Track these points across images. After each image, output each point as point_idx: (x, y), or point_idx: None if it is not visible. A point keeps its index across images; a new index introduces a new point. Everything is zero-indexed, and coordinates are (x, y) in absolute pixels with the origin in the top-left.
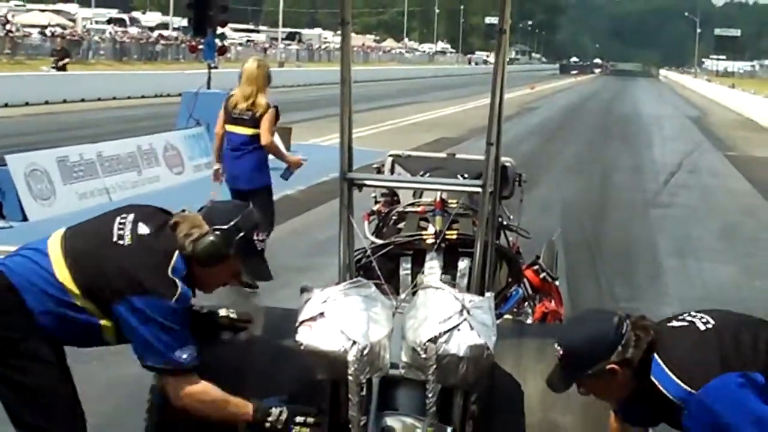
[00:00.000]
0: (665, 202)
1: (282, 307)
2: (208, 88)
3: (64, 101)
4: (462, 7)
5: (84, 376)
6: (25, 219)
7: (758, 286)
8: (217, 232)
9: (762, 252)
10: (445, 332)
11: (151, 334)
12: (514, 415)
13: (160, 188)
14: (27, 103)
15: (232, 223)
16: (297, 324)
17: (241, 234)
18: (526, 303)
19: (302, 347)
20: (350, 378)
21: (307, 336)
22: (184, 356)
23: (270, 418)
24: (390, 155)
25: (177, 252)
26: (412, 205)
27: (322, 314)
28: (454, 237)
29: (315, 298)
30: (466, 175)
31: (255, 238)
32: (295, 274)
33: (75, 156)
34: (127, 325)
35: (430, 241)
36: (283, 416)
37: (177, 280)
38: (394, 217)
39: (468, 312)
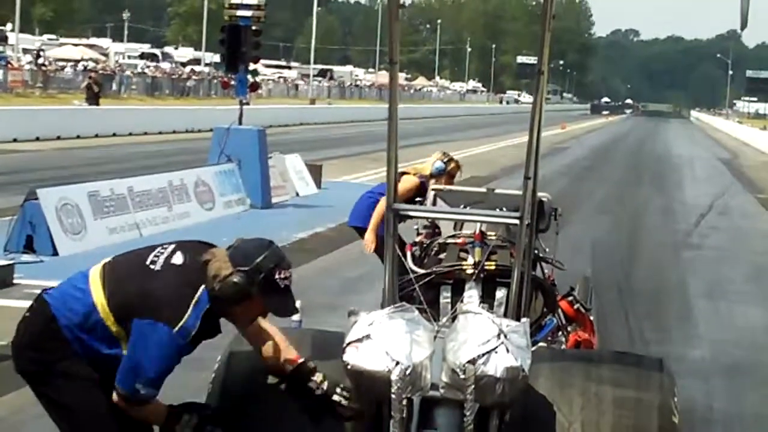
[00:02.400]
0: (696, 243)
1: (330, 330)
2: (240, 123)
3: (96, 135)
4: (494, 46)
5: None
6: (55, 253)
7: None
8: (241, 273)
9: None
10: (484, 354)
11: (137, 354)
12: None
13: (191, 224)
14: (59, 137)
15: (255, 263)
16: (344, 345)
17: (263, 274)
18: (560, 332)
19: (349, 367)
20: (393, 396)
21: (354, 356)
22: (143, 392)
23: (179, 424)
24: (432, 189)
25: (203, 287)
26: (452, 237)
27: (368, 336)
28: (493, 267)
29: (361, 321)
30: (504, 209)
31: (277, 276)
32: (324, 312)
33: (106, 191)
34: (129, 342)
35: (469, 271)
36: (193, 422)
37: (189, 312)
38: (435, 248)
39: (505, 336)
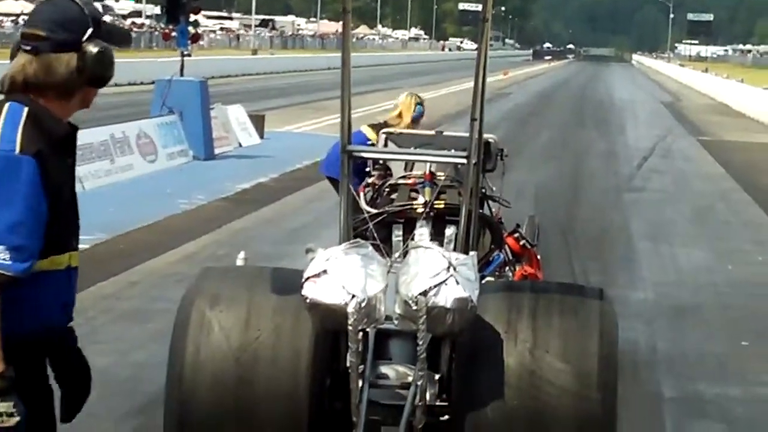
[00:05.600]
0: (638, 186)
1: (289, 268)
2: (182, 75)
3: None
4: None
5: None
6: None
7: (730, 270)
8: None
9: (734, 236)
10: (434, 286)
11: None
12: (496, 363)
13: (134, 176)
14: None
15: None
16: (302, 280)
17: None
18: (507, 267)
19: (307, 301)
20: (350, 328)
21: (312, 291)
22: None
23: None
24: (383, 132)
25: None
26: (403, 177)
27: (325, 271)
28: (442, 206)
29: (318, 257)
30: (453, 150)
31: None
32: (270, 263)
33: None
34: None
35: (420, 210)
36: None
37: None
38: (387, 189)
39: (454, 269)
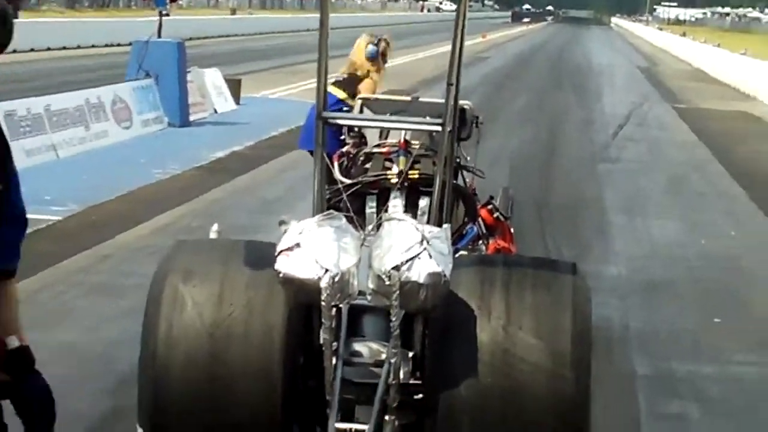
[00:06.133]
0: (614, 156)
1: (262, 241)
2: (159, 36)
3: (14, 51)
4: None
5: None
6: None
7: (703, 245)
8: None
9: (708, 207)
10: (407, 261)
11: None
12: (469, 339)
13: (108, 144)
14: None
15: None
16: (276, 254)
17: None
18: (480, 241)
19: (280, 275)
20: (323, 303)
21: (285, 265)
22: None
23: None
24: (359, 98)
25: None
26: (377, 146)
27: (298, 245)
28: (416, 176)
29: (291, 230)
30: (428, 116)
31: None
32: (245, 234)
33: (23, 110)
34: None
35: (393, 180)
36: None
37: None
38: (361, 158)
39: (427, 242)
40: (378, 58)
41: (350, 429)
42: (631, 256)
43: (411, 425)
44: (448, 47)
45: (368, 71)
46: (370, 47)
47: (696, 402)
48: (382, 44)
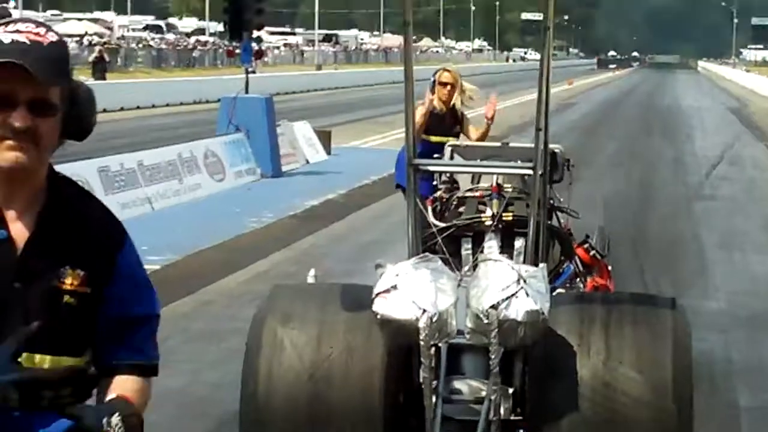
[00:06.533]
0: (708, 194)
1: (360, 284)
2: (247, 92)
3: (104, 110)
4: (498, 3)
5: None
6: None
7: None
8: None
9: None
10: (505, 299)
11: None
12: (569, 375)
13: (202, 195)
14: None
15: None
16: (373, 296)
17: None
18: (578, 279)
19: (378, 316)
20: (422, 343)
21: (383, 306)
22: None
23: None
24: (449, 145)
25: None
26: (470, 190)
27: (395, 287)
28: (510, 218)
29: (388, 273)
30: (519, 161)
31: None
32: (341, 279)
33: (116, 165)
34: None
35: (488, 222)
36: None
37: None
38: (454, 202)
39: (524, 281)
40: (434, 86)
41: None
42: (731, 291)
43: None
44: (535, 95)
45: (437, 104)
46: (432, 80)
47: None
48: (439, 72)
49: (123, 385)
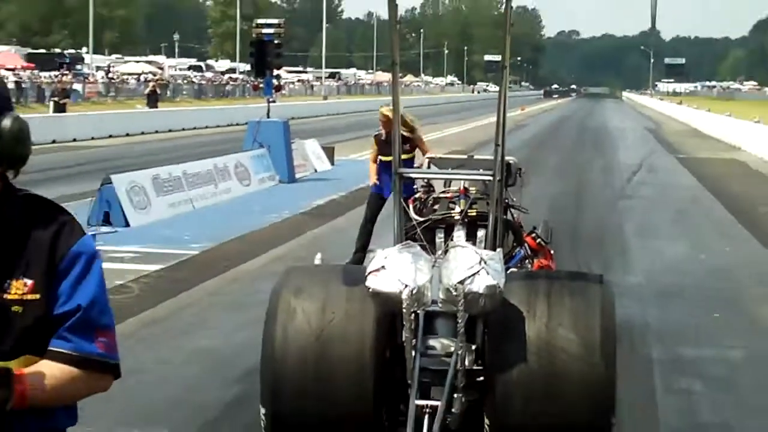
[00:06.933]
0: (629, 195)
1: (356, 265)
2: (268, 117)
3: (156, 132)
4: (466, 48)
5: (172, 347)
6: (127, 225)
7: (703, 259)
8: None
9: (705, 232)
10: (469, 276)
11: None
12: (519, 335)
13: (232, 197)
14: (127, 134)
15: None
16: (366, 274)
17: None
18: (527, 260)
19: (370, 290)
20: (404, 310)
21: (374, 282)
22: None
23: None
24: (427, 158)
25: None
26: (443, 192)
27: (383, 267)
28: (474, 214)
29: (378, 256)
30: (481, 170)
31: None
32: (338, 262)
33: (165, 174)
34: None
35: (457, 217)
36: None
37: None
38: (430, 202)
39: (485, 262)
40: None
41: (427, 405)
42: (647, 270)
43: (474, 401)
44: (494, 118)
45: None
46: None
47: (700, 379)
48: (379, 112)
49: (37, 366)
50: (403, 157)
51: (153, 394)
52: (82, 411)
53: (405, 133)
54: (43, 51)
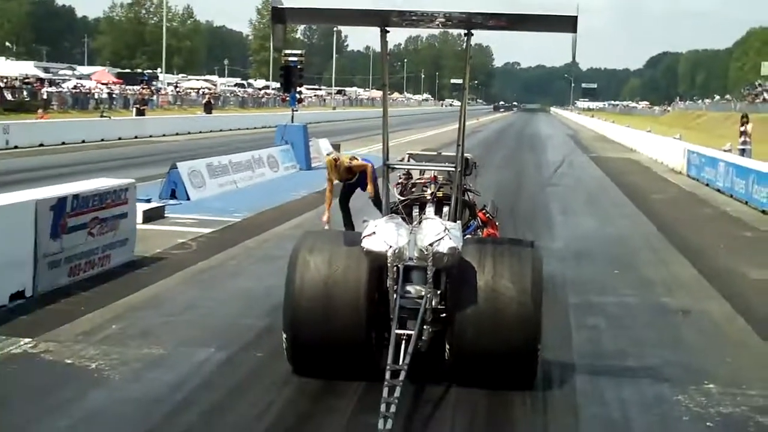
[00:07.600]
0: (554, 183)
1: (354, 231)
2: (292, 122)
3: (210, 131)
4: (437, 73)
5: (220, 288)
6: (188, 199)
7: (607, 230)
8: None
9: (610, 210)
10: (437, 240)
11: None
12: (472, 283)
13: (265, 180)
14: (189, 133)
15: None
16: (362, 237)
17: None
18: (478, 230)
19: (364, 250)
20: (389, 264)
21: (367, 243)
22: None
23: None
24: (408, 153)
25: None
26: (419, 179)
27: (374, 232)
28: (441, 195)
29: (370, 224)
30: (447, 163)
31: None
32: (340, 229)
33: (216, 162)
34: None
35: (428, 197)
36: None
37: None
38: (409, 186)
39: (448, 230)
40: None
41: (404, 333)
42: (566, 237)
43: (438, 331)
44: (457, 125)
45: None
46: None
47: (603, 317)
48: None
49: None
50: (350, 180)
51: (205, 322)
52: (151, 334)
53: (348, 164)
54: (128, 71)
